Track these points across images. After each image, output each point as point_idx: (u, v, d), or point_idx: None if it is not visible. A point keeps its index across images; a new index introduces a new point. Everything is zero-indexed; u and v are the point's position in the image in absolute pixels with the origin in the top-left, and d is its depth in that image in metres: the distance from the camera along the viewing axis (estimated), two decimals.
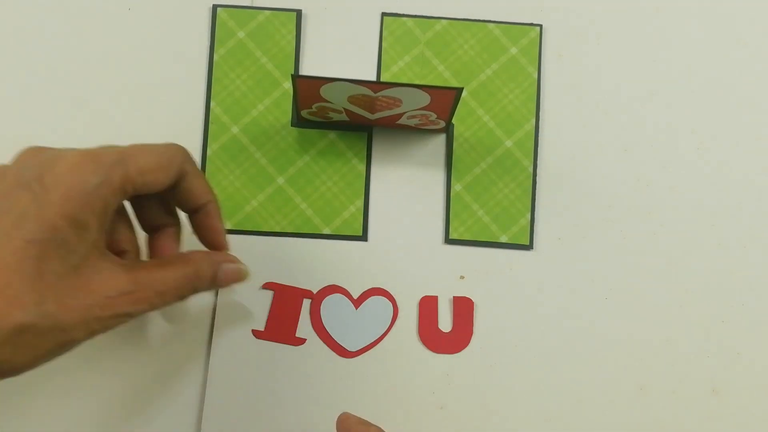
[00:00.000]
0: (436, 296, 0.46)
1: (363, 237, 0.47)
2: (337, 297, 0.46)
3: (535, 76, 0.48)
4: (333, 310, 0.46)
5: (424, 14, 0.49)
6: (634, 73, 0.49)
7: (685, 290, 0.47)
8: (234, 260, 0.41)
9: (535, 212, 0.47)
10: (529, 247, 0.47)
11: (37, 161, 0.34)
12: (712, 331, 0.47)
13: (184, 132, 0.47)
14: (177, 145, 0.38)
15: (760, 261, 0.48)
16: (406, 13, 0.49)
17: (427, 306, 0.46)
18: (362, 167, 0.47)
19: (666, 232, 0.48)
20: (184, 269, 0.38)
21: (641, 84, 0.49)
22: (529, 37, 0.48)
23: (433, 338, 0.46)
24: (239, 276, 0.41)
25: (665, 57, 0.49)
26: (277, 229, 0.47)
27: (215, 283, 0.40)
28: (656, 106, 0.49)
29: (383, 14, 0.49)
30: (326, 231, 0.47)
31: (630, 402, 0.46)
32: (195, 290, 0.39)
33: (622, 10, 0.49)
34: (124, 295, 0.35)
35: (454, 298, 0.46)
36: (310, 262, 0.46)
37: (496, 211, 0.47)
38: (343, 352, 0.45)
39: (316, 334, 0.45)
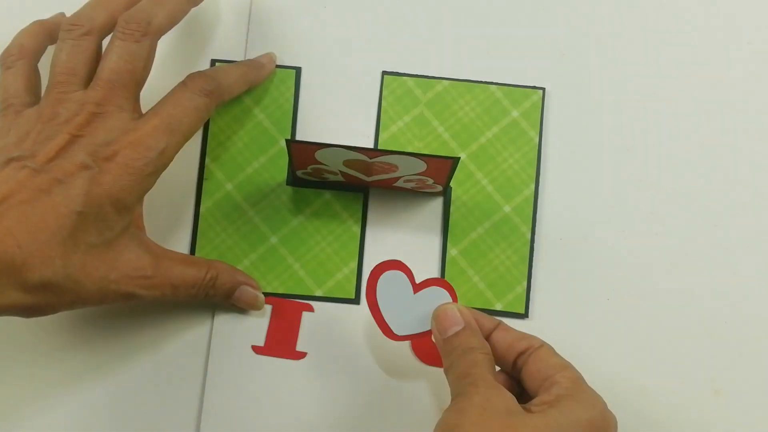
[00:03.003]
0: None
1: (356, 300, 0.46)
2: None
3: (536, 140, 0.47)
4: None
5: (425, 74, 0.48)
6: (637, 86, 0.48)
7: (687, 290, 0.46)
8: (255, 286, 0.44)
9: (532, 280, 0.46)
10: (524, 315, 0.46)
11: (108, 133, 0.38)
12: (715, 331, 0.46)
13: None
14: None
15: (762, 261, 0.47)
16: (407, 72, 0.48)
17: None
18: (357, 228, 0.47)
19: (668, 232, 0.47)
20: (204, 273, 0.42)
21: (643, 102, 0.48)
22: (532, 100, 0.48)
23: (429, 352, 0.44)
24: (255, 303, 0.44)
25: (667, 56, 0.49)
26: (269, 290, 0.46)
27: (230, 298, 0.44)
28: (659, 115, 0.48)
29: (384, 73, 0.48)
30: (318, 293, 0.46)
31: (631, 402, 0.45)
32: (207, 296, 0.42)
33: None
34: (142, 278, 0.39)
35: None
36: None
37: (492, 277, 0.46)
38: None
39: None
